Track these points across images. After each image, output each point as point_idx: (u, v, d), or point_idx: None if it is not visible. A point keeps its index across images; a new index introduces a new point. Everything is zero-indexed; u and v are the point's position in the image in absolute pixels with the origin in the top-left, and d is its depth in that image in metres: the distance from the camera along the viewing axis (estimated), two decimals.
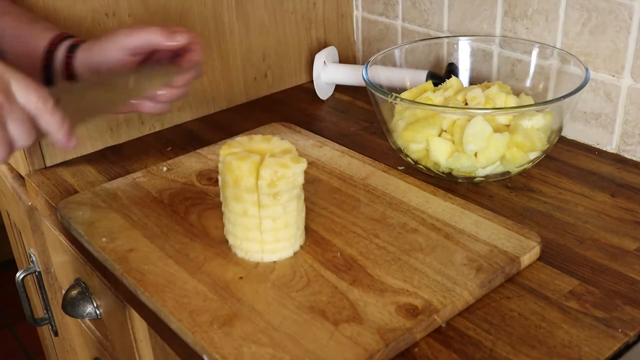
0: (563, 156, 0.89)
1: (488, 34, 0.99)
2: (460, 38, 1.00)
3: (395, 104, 0.81)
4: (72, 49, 0.76)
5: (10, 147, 0.58)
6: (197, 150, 0.92)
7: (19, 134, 0.58)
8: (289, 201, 0.66)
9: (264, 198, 0.65)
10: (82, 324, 1.00)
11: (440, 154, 0.81)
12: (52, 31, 0.78)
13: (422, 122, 0.82)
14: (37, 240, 1.00)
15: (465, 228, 0.72)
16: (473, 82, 1.00)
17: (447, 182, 0.84)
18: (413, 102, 0.84)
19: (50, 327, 1.11)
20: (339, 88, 1.15)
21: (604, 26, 0.85)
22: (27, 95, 0.57)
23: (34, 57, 0.76)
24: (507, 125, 0.81)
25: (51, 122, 0.60)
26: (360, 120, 1.04)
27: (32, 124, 0.59)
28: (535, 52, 0.93)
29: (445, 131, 0.82)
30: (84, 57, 0.75)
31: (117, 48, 0.73)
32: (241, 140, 0.70)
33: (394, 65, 0.97)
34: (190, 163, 0.89)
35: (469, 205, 0.76)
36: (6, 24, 0.77)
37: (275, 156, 0.67)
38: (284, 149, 0.68)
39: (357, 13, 1.21)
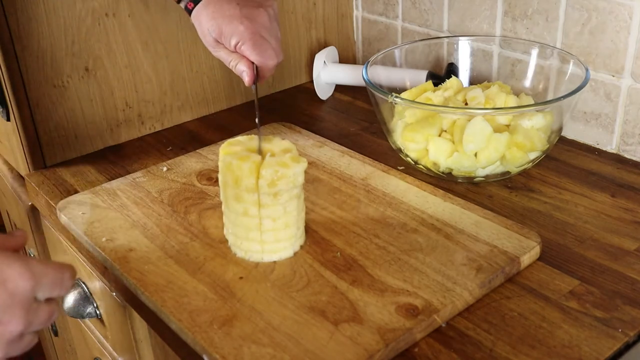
0: (563, 156, 0.89)
1: (488, 34, 0.99)
2: (460, 38, 1.00)
3: (395, 104, 0.81)
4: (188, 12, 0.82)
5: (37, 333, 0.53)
6: (197, 150, 0.92)
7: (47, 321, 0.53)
8: (289, 201, 0.66)
9: (264, 198, 0.65)
10: (82, 324, 1.00)
11: (440, 154, 0.81)
12: None
13: (422, 122, 0.82)
14: (37, 240, 1.00)
15: (465, 228, 0.72)
16: (473, 82, 1.00)
17: (447, 182, 0.84)
18: (413, 102, 0.84)
19: (50, 327, 1.11)
20: (339, 88, 1.15)
21: (604, 26, 0.85)
22: (52, 291, 0.51)
23: None
24: (507, 125, 0.81)
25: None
26: (360, 120, 1.04)
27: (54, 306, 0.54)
28: (535, 52, 0.93)
29: (445, 131, 0.82)
30: (202, 10, 0.81)
31: (227, 43, 0.81)
32: (241, 139, 0.70)
33: (394, 65, 0.97)
34: (190, 163, 0.89)
35: (469, 205, 0.76)
36: None
37: (275, 156, 0.67)
38: (285, 148, 0.68)
39: (357, 13, 1.21)
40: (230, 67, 0.82)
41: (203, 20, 0.81)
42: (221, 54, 0.82)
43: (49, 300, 0.50)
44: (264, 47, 0.79)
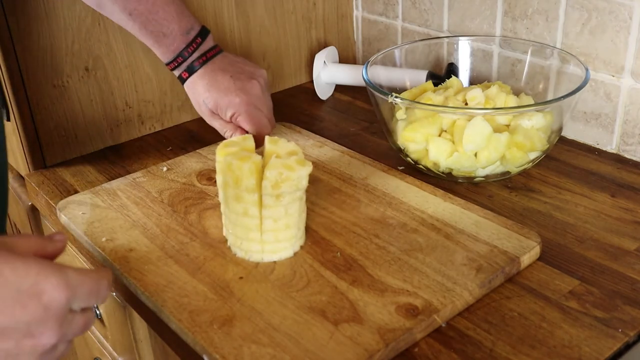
0: (563, 156, 0.89)
1: (488, 34, 0.99)
2: (460, 38, 1.00)
3: (395, 104, 0.81)
4: (189, 69, 0.87)
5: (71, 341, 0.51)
6: (197, 150, 0.92)
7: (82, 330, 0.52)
8: (291, 203, 0.66)
9: (267, 198, 0.65)
10: None
11: (440, 154, 0.81)
12: (173, 50, 0.86)
13: (422, 122, 0.82)
14: None
15: (465, 228, 0.72)
16: (473, 82, 1.00)
17: (447, 182, 0.84)
18: (413, 102, 0.84)
19: None
20: (339, 88, 1.15)
21: (604, 26, 0.85)
22: (88, 301, 0.49)
23: (158, 53, 0.87)
24: (507, 125, 0.81)
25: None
26: (360, 120, 1.04)
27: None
28: (535, 52, 0.93)
29: (445, 131, 0.82)
30: (196, 82, 0.87)
31: (223, 115, 0.86)
32: (237, 139, 0.70)
33: (394, 65, 0.97)
34: (190, 163, 0.89)
35: (469, 205, 0.76)
36: (137, 25, 0.84)
37: (281, 157, 0.67)
38: (290, 150, 0.68)
39: (357, 13, 1.21)
40: (226, 136, 0.87)
41: (198, 91, 0.86)
42: (216, 124, 0.87)
43: (84, 309, 0.49)
44: (258, 117, 0.85)
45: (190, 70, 0.86)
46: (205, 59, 0.86)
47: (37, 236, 0.50)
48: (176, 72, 0.87)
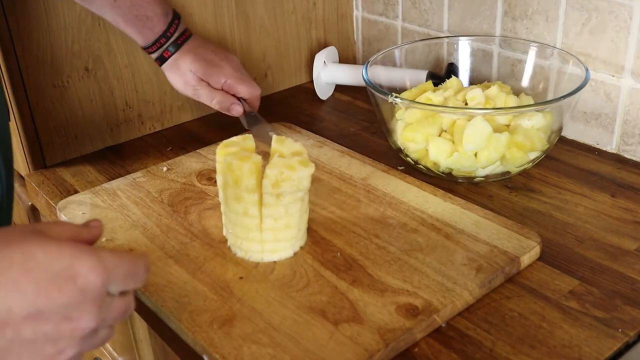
0: (563, 156, 0.89)
1: (488, 34, 0.99)
2: (460, 38, 1.00)
3: (395, 104, 0.81)
4: (171, 47, 0.91)
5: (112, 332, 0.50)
6: (197, 150, 0.92)
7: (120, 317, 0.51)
8: (292, 203, 0.66)
9: (267, 197, 0.65)
10: None
11: (440, 154, 0.81)
12: (156, 31, 0.90)
13: (422, 122, 0.82)
14: None
15: (465, 228, 0.72)
16: (473, 82, 1.00)
17: (447, 182, 0.84)
18: (413, 102, 0.84)
19: None
20: (339, 88, 1.15)
21: (604, 26, 0.85)
22: (125, 284, 0.48)
23: (136, 37, 0.91)
24: (507, 125, 0.81)
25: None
26: (360, 120, 1.04)
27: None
28: (535, 52, 0.93)
29: (445, 131, 0.82)
30: (181, 57, 0.92)
31: (223, 82, 0.92)
32: (236, 139, 0.70)
33: (394, 65, 0.97)
34: (190, 163, 0.89)
35: (469, 205, 0.76)
36: (122, 10, 0.88)
37: (284, 157, 0.67)
38: (295, 151, 0.68)
39: (357, 13, 1.21)
40: (214, 104, 0.92)
41: (185, 64, 0.91)
42: (203, 93, 0.92)
43: (123, 293, 0.48)
44: (249, 80, 0.93)
45: (174, 49, 0.91)
46: (185, 37, 0.92)
47: (72, 223, 0.49)
48: (156, 54, 0.91)
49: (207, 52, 0.92)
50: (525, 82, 0.95)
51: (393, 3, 1.12)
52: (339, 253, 0.69)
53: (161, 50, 0.91)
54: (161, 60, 0.92)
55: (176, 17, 0.91)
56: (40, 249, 0.43)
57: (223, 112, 0.93)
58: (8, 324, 0.41)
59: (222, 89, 0.92)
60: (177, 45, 0.91)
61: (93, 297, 0.44)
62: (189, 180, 0.85)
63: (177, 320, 0.61)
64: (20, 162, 0.94)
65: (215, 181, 0.75)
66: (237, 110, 0.92)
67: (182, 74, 0.91)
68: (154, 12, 0.88)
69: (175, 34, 0.91)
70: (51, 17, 0.88)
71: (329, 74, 1.11)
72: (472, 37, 0.99)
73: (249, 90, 0.92)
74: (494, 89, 0.85)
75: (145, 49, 0.91)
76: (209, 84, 0.92)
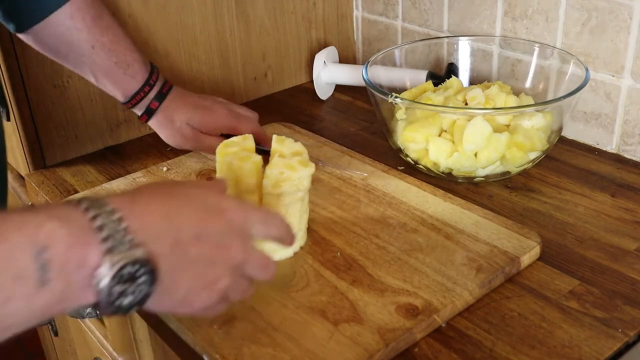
0: (563, 156, 0.89)
1: (488, 34, 0.99)
2: (460, 38, 1.00)
3: (395, 103, 0.81)
4: (158, 98, 0.85)
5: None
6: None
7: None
8: (292, 204, 0.66)
9: (267, 197, 0.65)
10: (82, 324, 1.00)
11: (440, 154, 0.81)
12: (138, 80, 0.84)
13: (422, 122, 0.82)
14: None
15: (465, 228, 0.72)
16: (473, 82, 1.00)
17: (447, 182, 0.84)
18: (413, 102, 0.84)
19: (50, 327, 1.11)
20: (339, 88, 1.15)
21: (604, 26, 0.85)
22: (264, 229, 0.54)
23: (117, 91, 0.84)
24: (507, 125, 0.81)
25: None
26: (360, 120, 1.04)
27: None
28: (535, 52, 0.93)
29: (445, 131, 0.82)
30: (173, 108, 0.86)
31: (222, 127, 0.87)
32: (236, 139, 0.70)
33: (394, 65, 0.97)
34: (190, 163, 0.89)
35: (469, 205, 0.76)
36: (100, 57, 0.82)
37: (284, 157, 0.67)
38: (295, 151, 0.68)
39: (357, 13, 1.21)
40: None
41: (178, 116, 0.85)
42: (205, 144, 0.86)
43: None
44: (246, 116, 0.88)
45: (160, 98, 0.85)
46: (169, 86, 0.86)
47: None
48: (141, 106, 0.85)
49: (196, 99, 0.87)
50: (525, 82, 0.95)
51: (393, 3, 1.12)
52: (339, 253, 0.69)
53: (146, 101, 0.84)
54: (148, 113, 0.85)
55: (154, 67, 0.86)
56: (194, 188, 0.51)
57: None
58: (178, 243, 0.46)
59: (221, 135, 0.86)
60: (163, 94, 0.85)
61: (239, 230, 0.51)
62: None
63: (177, 320, 0.61)
64: (20, 162, 0.94)
65: None
66: None
67: (178, 128, 0.85)
68: (133, 58, 0.83)
69: (158, 83, 0.85)
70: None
71: (329, 74, 1.11)
72: (472, 37, 0.99)
73: (251, 126, 0.87)
74: (494, 89, 0.85)
75: (127, 102, 0.84)
76: (207, 133, 0.86)
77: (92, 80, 0.84)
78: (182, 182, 0.53)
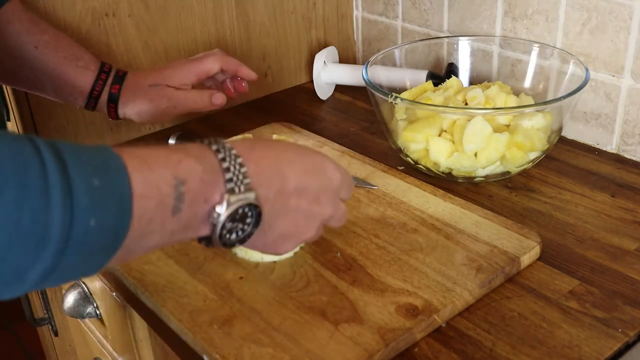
0: (563, 156, 0.89)
1: (488, 34, 0.99)
2: (460, 38, 1.00)
3: (395, 104, 0.81)
4: (117, 81, 0.83)
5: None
6: None
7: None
8: None
9: None
10: (82, 324, 1.00)
11: (440, 154, 0.81)
12: (92, 69, 0.82)
13: (422, 122, 0.82)
14: None
15: (465, 228, 0.72)
16: (473, 82, 1.00)
17: (447, 182, 0.84)
18: (413, 102, 0.84)
19: (50, 327, 1.11)
20: (339, 88, 1.15)
21: (604, 26, 0.85)
22: (347, 192, 0.61)
23: (76, 90, 0.82)
24: (507, 125, 0.81)
25: None
26: (360, 120, 1.04)
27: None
28: (535, 52, 0.93)
29: (445, 131, 0.82)
30: (133, 84, 0.83)
31: (187, 74, 0.85)
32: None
33: (394, 65, 0.97)
34: None
35: (469, 205, 0.76)
36: (48, 56, 0.80)
37: None
38: None
39: (357, 13, 1.21)
40: (194, 103, 0.85)
41: (139, 83, 0.83)
42: (181, 95, 0.84)
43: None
44: (209, 54, 0.86)
45: (119, 81, 0.83)
46: (124, 72, 0.84)
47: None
48: (104, 97, 0.83)
49: (153, 70, 0.86)
50: (525, 82, 0.95)
51: (393, 3, 1.12)
52: (339, 253, 0.69)
53: (106, 88, 0.82)
54: (113, 101, 0.82)
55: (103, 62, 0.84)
56: (298, 147, 0.57)
57: (207, 108, 0.86)
58: (283, 191, 0.52)
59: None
60: (120, 77, 0.83)
61: (334, 189, 0.57)
62: None
63: (177, 320, 0.61)
64: None
65: None
66: (217, 98, 0.86)
67: (145, 94, 0.83)
68: (81, 51, 0.82)
69: (113, 70, 0.83)
70: (51, 17, 0.88)
71: (329, 74, 1.11)
72: (472, 37, 0.99)
73: (217, 59, 0.86)
74: (494, 89, 0.85)
75: (89, 100, 0.82)
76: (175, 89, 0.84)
77: (49, 92, 0.82)
78: (294, 143, 0.58)
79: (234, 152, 0.49)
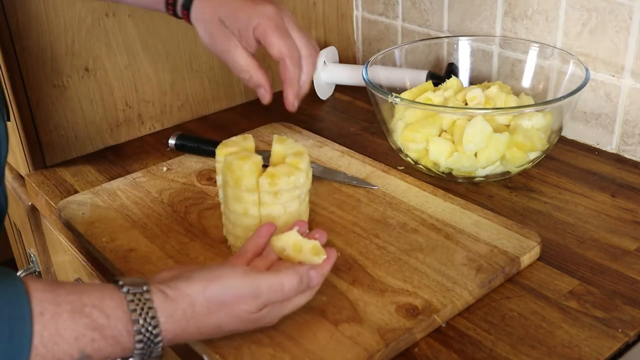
0: (563, 156, 0.89)
1: (488, 34, 0.99)
2: (460, 38, 1.00)
3: (395, 104, 0.81)
4: (186, 5, 0.72)
5: None
6: None
7: None
8: (290, 201, 0.66)
9: (265, 196, 0.65)
10: None
11: (440, 154, 0.81)
12: None
13: (422, 122, 0.82)
14: (37, 240, 1.00)
15: (465, 228, 0.72)
16: (473, 82, 1.00)
17: (447, 182, 0.84)
18: (413, 102, 0.84)
19: None
20: (339, 88, 1.15)
21: (604, 26, 0.85)
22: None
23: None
24: (507, 125, 0.81)
25: None
26: (360, 120, 1.04)
27: None
28: (535, 52, 0.93)
29: (445, 131, 0.82)
30: (206, 8, 0.71)
31: (252, 42, 0.70)
32: (236, 139, 0.70)
33: (394, 65, 0.97)
34: (190, 163, 0.89)
35: (469, 205, 0.76)
36: None
37: (285, 157, 0.67)
38: (297, 151, 0.68)
39: (357, 13, 1.21)
40: (243, 77, 0.71)
41: (211, 7, 0.70)
42: (237, 54, 0.69)
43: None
44: (286, 34, 0.67)
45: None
46: None
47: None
48: (178, 8, 0.73)
49: (234, 1, 0.69)
50: (525, 82, 0.95)
51: (393, 3, 1.12)
52: (339, 253, 0.69)
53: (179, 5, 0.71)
54: (185, 6, 0.72)
55: None
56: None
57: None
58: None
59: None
60: None
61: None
62: (189, 180, 0.85)
63: None
64: (20, 162, 0.94)
65: (215, 181, 0.75)
66: (262, 95, 0.72)
67: (210, 22, 0.70)
68: None
69: None
70: (51, 17, 0.88)
71: (329, 74, 1.11)
72: (472, 37, 0.99)
73: (284, 45, 0.67)
74: (494, 89, 0.85)
75: (167, 4, 0.73)
76: (239, 38, 0.69)
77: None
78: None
79: (153, 324, 0.50)
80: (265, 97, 0.71)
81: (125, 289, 0.50)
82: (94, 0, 0.91)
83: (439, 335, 0.60)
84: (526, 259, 0.67)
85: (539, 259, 0.69)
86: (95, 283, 0.55)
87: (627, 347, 0.58)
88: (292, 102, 0.67)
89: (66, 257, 0.93)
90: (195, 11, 0.72)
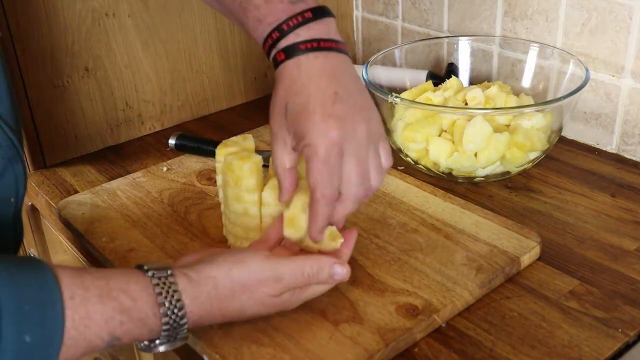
0: (563, 156, 0.89)
1: (488, 34, 0.99)
2: (460, 38, 1.00)
3: (395, 104, 0.81)
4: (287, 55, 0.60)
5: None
6: None
7: None
8: (296, 193, 0.66)
9: (266, 196, 0.65)
10: None
11: (440, 154, 0.81)
12: (268, 22, 0.61)
13: (422, 122, 0.82)
14: (37, 240, 1.00)
15: (465, 228, 0.72)
16: (473, 82, 1.00)
17: (447, 182, 0.84)
18: (413, 102, 0.84)
19: None
20: None
21: (604, 26, 0.85)
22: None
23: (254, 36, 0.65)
24: (507, 125, 0.81)
25: None
26: None
27: None
28: (535, 52, 0.93)
29: (445, 131, 0.82)
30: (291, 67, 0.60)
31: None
32: (236, 139, 0.70)
33: (394, 65, 0.97)
34: (190, 163, 0.89)
35: (469, 205, 0.76)
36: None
37: None
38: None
39: (357, 13, 1.21)
40: (276, 168, 0.60)
41: (284, 84, 0.60)
42: (279, 147, 0.59)
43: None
44: (331, 177, 0.56)
45: (289, 53, 0.59)
46: (316, 46, 0.59)
47: None
48: (272, 53, 0.61)
49: (327, 85, 0.57)
50: (525, 82, 0.95)
51: (393, 3, 1.12)
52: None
53: (276, 49, 0.61)
54: (274, 64, 0.62)
55: (312, 12, 0.60)
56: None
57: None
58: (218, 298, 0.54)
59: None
60: (300, 50, 0.59)
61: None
62: (189, 180, 0.85)
63: None
64: None
65: (215, 181, 0.75)
66: (337, 273, 0.58)
67: (278, 95, 0.60)
68: None
69: (301, 32, 0.59)
70: (51, 18, 0.88)
71: None
72: (472, 37, 0.99)
73: (321, 179, 0.56)
74: (494, 89, 0.85)
75: (263, 45, 0.63)
76: (290, 133, 0.58)
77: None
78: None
79: (179, 309, 0.51)
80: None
81: (150, 273, 0.52)
82: (94, 0, 0.91)
83: (439, 335, 0.60)
84: (526, 259, 0.67)
85: (539, 259, 0.69)
86: (120, 269, 0.56)
87: (627, 347, 0.58)
88: (314, 237, 0.59)
89: (66, 257, 0.93)
90: (280, 74, 0.61)
